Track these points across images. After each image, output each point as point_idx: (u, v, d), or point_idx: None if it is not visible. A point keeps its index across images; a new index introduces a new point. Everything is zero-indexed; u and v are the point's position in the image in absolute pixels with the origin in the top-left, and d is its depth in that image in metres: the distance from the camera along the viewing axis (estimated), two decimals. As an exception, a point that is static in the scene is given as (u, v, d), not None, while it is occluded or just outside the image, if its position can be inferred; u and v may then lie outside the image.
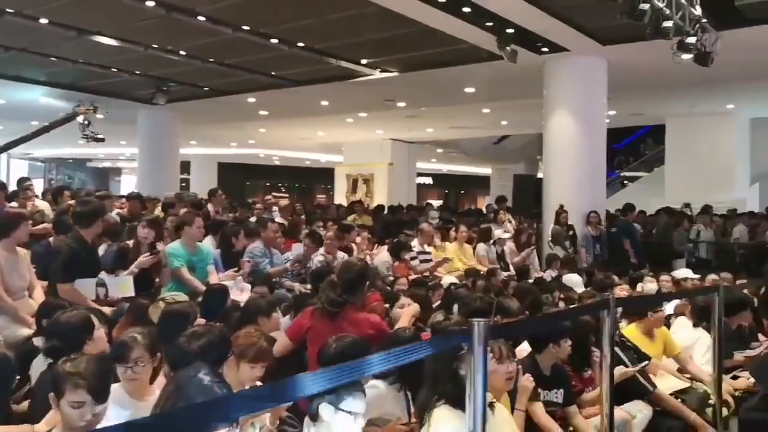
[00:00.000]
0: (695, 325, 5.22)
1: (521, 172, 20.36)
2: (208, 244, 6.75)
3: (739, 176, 16.65)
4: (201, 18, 9.73)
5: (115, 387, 2.82)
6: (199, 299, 4.82)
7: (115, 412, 2.70)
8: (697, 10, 8.22)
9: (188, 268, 5.84)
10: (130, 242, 5.84)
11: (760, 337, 5.68)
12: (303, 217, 9.98)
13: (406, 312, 4.30)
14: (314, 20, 9.85)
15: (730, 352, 4.97)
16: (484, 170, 28.09)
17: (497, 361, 3.23)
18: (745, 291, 6.07)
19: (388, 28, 9.96)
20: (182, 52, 11.84)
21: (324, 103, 15.61)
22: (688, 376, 4.74)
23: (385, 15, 8.97)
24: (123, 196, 10.37)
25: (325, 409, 2.66)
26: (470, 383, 2.31)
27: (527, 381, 3.42)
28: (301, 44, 11.05)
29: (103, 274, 5.12)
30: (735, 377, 4.77)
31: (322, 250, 7.03)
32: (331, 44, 11.16)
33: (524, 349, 3.97)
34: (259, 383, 3.17)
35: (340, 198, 21.41)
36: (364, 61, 12.07)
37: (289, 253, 7.17)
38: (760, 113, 16.58)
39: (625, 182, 22.62)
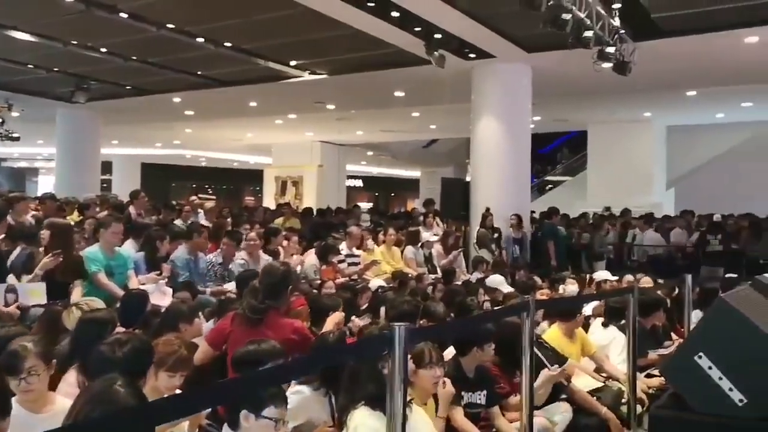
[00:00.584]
0: (605, 325, 5.39)
1: (450, 176, 20.64)
2: (129, 247, 6.54)
3: (657, 181, 17.37)
4: (123, 15, 9.44)
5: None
6: (117, 305, 4.66)
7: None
8: (616, 21, 8.54)
9: (106, 273, 5.64)
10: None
11: (673, 336, 5.93)
12: (229, 220, 9.79)
13: (330, 319, 4.26)
14: (242, 20, 9.70)
15: (645, 351, 5.16)
16: (414, 173, 28.35)
17: (427, 365, 3.27)
18: (659, 292, 6.31)
19: (318, 30, 9.92)
20: (103, 49, 11.46)
21: (252, 104, 15.41)
22: (604, 375, 4.90)
23: (314, 17, 8.93)
24: (37, 198, 9.93)
25: (245, 416, 2.61)
26: (390, 387, 2.31)
27: (448, 388, 3.46)
28: (228, 44, 10.87)
29: (12, 280, 4.88)
30: (649, 375, 4.95)
31: (243, 253, 6.92)
32: (259, 45, 11.03)
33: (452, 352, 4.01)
34: (178, 392, 3.08)
35: (269, 200, 21.17)
36: (293, 63, 11.98)
37: (211, 255, 7.02)
38: (676, 121, 17.35)
39: (550, 186, 23.24)
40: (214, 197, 28.06)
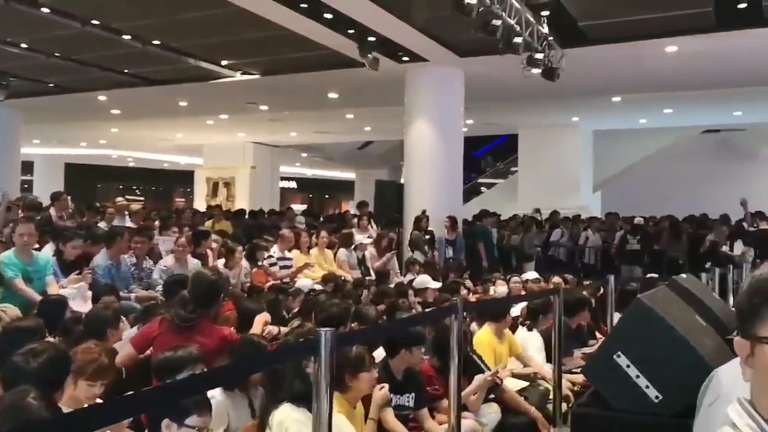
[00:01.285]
0: (529, 328, 5.52)
1: (385, 178, 20.71)
2: (49, 251, 6.28)
3: (584, 184, 17.89)
4: (45, 9, 9.07)
5: None
6: (35, 311, 4.46)
7: None
8: (545, 29, 8.77)
9: (24, 278, 5.39)
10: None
11: (598, 335, 6.11)
12: (157, 222, 9.54)
13: (257, 320, 4.20)
14: (170, 18, 9.48)
15: (570, 350, 5.30)
16: (349, 175, 28.32)
17: (367, 368, 3.28)
18: (585, 292, 6.49)
19: (250, 30, 9.78)
20: (24, 45, 10.98)
21: (182, 103, 15.07)
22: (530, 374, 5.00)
23: (247, 17, 8.80)
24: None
25: (167, 425, 2.55)
26: (316, 393, 2.29)
27: (384, 391, 3.47)
28: (156, 42, 10.59)
29: None
30: (575, 374, 5.08)
31: (170, 257, 6.74)
32: (189, 43, 10.79)
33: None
34: (99, 401, 2.98)
35: (200, 202, 20.76)
36: (224, 62, 11.78)
37: (125, 255, 6.76)
38: (602, 125, 17.92)
39: (483, 188, 23.63)
40: (142, 199, 27.32)
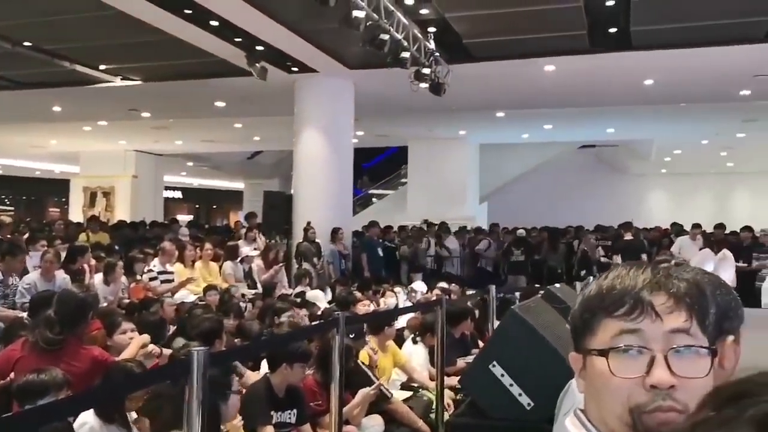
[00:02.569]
0: (414, 341, 5.59)
1: (275, 188, 20.45)
2: None
3: (470, 195, 18.42)
4: None
5: None
6: None
7: None
8: (431, 44, 8.98)
9: None
10: None
11: (481, 344, 6.26)
12: (27, 235, 8.91)
13: (134, 342, 3.99)
14: (44, 19, 8.93)
15: (454, 359, 5.41)
16: (238, 185, 27.75)
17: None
18: (469, 302, 6.66)
19: (132, 35, 9.38)
20: None
21: (56, 108, 14.22)
22: (415, 384, 5.06)
23: (129, 21, 8.43)
24: None
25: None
26: (188, 414, 2.19)
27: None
28: (27, 43, 9.95)
29: None
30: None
31: (35, 273, 6.29)
32: (65, 46, 10.21)
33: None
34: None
35: (77, 212, 19.67)
36: (102, 67, 11.22)
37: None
38: (487, 139, 18.54)
39: (373, 199, 23.83)
40: (12, 209, 25.51)
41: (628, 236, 11.71)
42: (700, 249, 10.18)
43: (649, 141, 19.18)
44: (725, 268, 9.89)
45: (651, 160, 21.49)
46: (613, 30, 8.95)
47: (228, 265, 8.87)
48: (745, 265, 10.98)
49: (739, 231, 12.40)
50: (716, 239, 10.71)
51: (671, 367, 0.90)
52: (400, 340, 5.66)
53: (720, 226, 12.02)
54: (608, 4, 8.09)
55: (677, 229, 12.87)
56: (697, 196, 23.10)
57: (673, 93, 12.03)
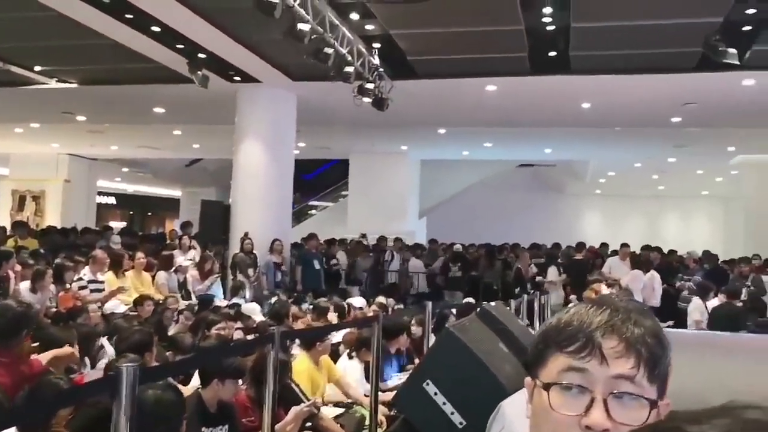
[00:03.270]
0: (350, 356, 5.58)
1: (213, 197, 20.13)
2: None
3: (410, 210, 18.55)
4: None
5: None
6: None
7: None
8: (376, 60, 9.05)
9: None
10: None
11: (416, 360, 6.29)
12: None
13: (57, 354, 3.83)
14: (-25, 16, 8.60)
15: (390, 375, 5.42)
16: (175, 192, 27.16)
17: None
18: (406, 317, 6.68)
19: (69, 37, 9.10)
20: None
21: (-15, 108, 13.68)
22: (349, 401, 5.04)
23: (66, 23, 8.18)
24: None
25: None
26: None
27: None
28: (-44, 40, 9.56)
29: None
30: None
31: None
32: (-1, 45, 9.86)
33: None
34: None
35: (4, 216, 18.87)
36: (38, 68, 10.85)
37: None
38: (429, 155, 18.73)
39: (312, 211, 23.70)
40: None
41: (578, 256, 12.15)
42: (632, 269, 10.54)
43: (585, 162, 19.76)
44: (653, 287, 10.29)
45: (586, 180, 22.13)
46: (552, 54, 9.21)
47: (161, 275, 8.66)
48: (670, 285, 11.41)
49: (666, 252, 12.87)
50: (644, 260, 11.08)
51: (609, 411, 0.89)
52: (335, 356, 5.63)
53: (647, 248, 12.44)
54: (549, 28, 8.31)
55: (604, 252, 13.28)
56: (629, 217, 23.89)
57: (608, 117, 12.45)
